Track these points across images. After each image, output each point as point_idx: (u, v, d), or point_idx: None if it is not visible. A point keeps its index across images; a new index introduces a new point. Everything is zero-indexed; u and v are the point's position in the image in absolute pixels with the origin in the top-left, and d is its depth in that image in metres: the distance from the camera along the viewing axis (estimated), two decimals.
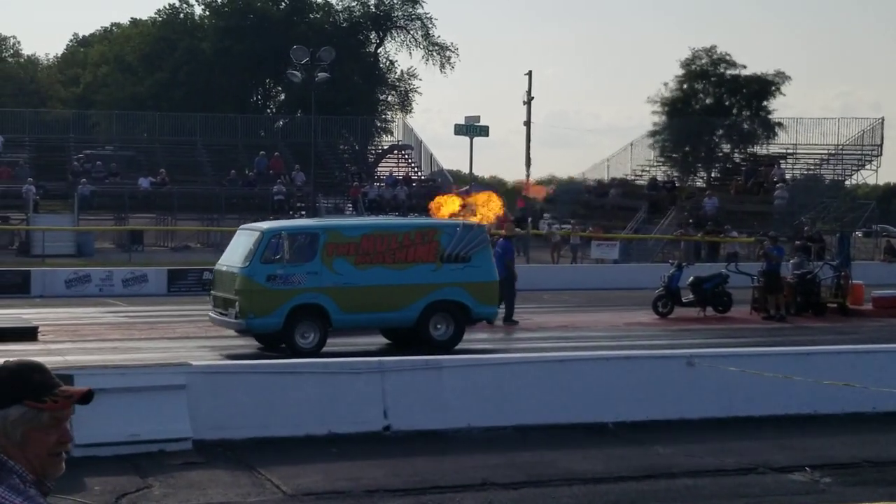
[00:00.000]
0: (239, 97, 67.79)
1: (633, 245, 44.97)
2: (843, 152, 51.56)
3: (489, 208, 21.85)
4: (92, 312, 25.30)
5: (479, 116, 55.94)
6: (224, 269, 19.30)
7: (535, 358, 14.74)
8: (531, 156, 60.31)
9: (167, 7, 71.94)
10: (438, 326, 19.34)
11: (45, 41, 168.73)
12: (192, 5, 71.28)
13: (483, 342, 20.76)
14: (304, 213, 43.97)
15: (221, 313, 19.02)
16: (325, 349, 18.41)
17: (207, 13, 70.54)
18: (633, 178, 55.80)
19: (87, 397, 2.80)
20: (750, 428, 13.09)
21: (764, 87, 58.96)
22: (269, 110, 71.69)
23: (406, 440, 12.11)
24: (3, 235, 42.87)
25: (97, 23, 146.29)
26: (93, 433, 10.62)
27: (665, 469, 11.00)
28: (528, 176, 60.16)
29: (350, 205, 48.61)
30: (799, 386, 13.61)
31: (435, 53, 71.12)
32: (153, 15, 73.64)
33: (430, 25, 70.98)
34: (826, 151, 52.29)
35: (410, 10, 70.70)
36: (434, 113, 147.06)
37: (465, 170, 57.55)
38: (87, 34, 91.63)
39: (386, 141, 64.48)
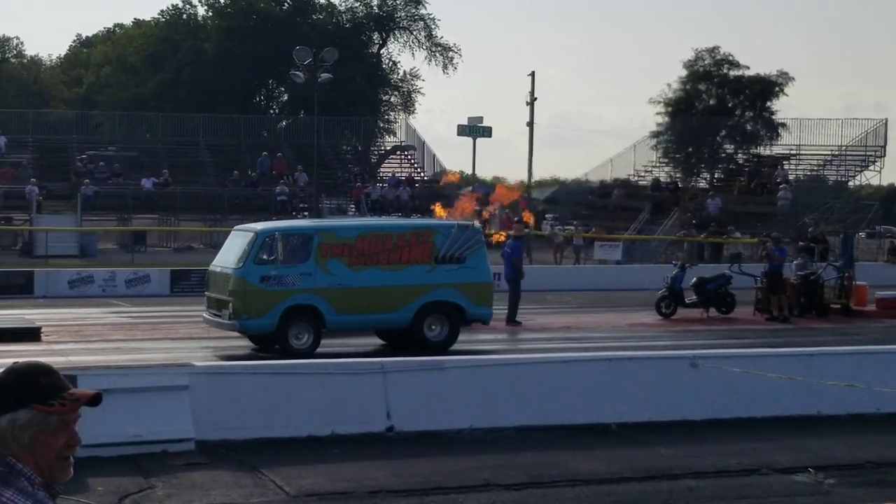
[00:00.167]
0: (242, 98, 67.80)
1: (636, 246, 44.94)
2: (847, 153, 51.49)
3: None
4: (95, 313, 25.30)
5: (482, 117, 55.72)
6: (218, 270, 19.17)
7: (537, 359, 14.75)
8: (533, 157, 60.40)
9: (170, 8, 72.16)
10: (433, 327, 19.27)
11: (48, 42, 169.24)
12: (195, 6, 71.52)
13: (486, 343, 20.73)
14: (306, 213, 43.94)
15: (215, 314, 18.94)
16: (324, 350, 18.38)
17: (210, 14, 70.62)
18: (636, 178, 55.80)
19: (95, 400, 2.80)
20: (753, 429, 13.08)
21: (767, 87, 58.93)
22: (271, 111, 71.74)
23: (409, 441, 12.11)
24: (7, 236, 42.85)
25: (100, 23, 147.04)
26: (96, 434, 10.61)
27: (668, 470, 11.00)
28: (529, 177, 60.14)
29: (353, 205, 48.60)
30: (802, 387, 13.61)
31: (438, 54, 71.22)
32: (156, 16, 74.02)
33: (433, 26, 71.13)
34: (829, 152, 52.24)
35: (413, 10, 70.78)
36: (437, 114, 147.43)
37: (469, 170, 57.72)
38: (90, 35, 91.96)
39: (389, 142, 64.54)
